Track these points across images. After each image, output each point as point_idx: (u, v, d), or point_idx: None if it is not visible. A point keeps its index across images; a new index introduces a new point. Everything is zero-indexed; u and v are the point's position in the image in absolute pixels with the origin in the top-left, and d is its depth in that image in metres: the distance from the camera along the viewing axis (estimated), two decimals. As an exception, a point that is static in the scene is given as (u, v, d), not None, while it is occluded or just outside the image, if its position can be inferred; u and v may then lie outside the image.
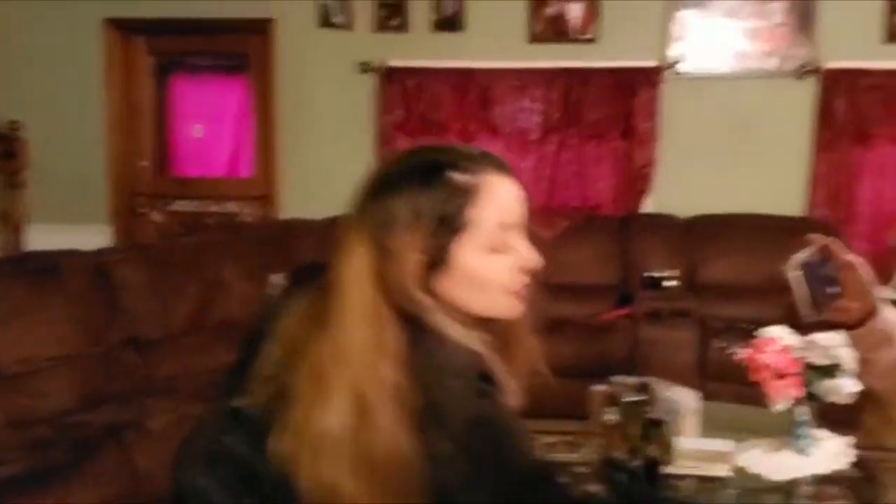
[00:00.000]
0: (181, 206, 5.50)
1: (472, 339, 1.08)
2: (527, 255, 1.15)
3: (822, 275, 1.18)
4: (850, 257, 1.18)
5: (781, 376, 2.53)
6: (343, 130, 5.24)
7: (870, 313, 1.16)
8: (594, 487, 3.56)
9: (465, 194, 1.10)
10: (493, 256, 1.12)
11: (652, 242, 4.90)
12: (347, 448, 1.00)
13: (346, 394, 1.01)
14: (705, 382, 4.05)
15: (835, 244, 1.19)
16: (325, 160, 5.24)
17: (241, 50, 5.42)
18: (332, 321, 1.06)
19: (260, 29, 5.19)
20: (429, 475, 1.00)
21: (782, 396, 2.61)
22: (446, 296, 1.10)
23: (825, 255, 1.18)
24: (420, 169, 1.13)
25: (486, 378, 1.08)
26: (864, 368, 1.23)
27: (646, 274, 4.77)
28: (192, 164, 5.81)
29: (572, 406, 3.13)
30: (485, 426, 1.04)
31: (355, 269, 1.09)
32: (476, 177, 1.12)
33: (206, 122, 5.76)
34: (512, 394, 1.10)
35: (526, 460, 1.08)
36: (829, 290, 1.17)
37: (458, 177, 1.11)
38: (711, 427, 2.75)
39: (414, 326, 1.07)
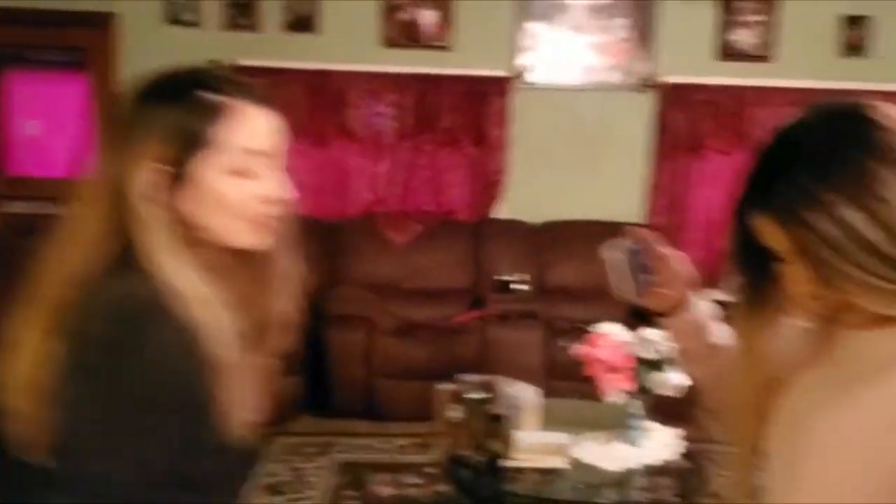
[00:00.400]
0: (17, 207, 5.16)
1: (185, 265, 1.08)
2: (272, 185, 1.16)
3: (637, 263, 1.24)
4: (666, 250, 1.23)
5: (614, 370, 2.66)
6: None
7: (682, 302, 1.21)
8: (443, 487, 3.63)
9: (212, 113, 1.11)
10: (235, 180, 1.13)
11: (503, 247, 5.02)
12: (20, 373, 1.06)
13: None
14: (550, 381, 4.18)
15: (650, 236, 1.25)
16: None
17: (80, 44, 5.16)
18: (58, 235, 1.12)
19: (100, 23, 4.95)
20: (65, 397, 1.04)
21: (615, 389, 2.74)
22: (188, 214, 1.11)
23: (642, 246, 1.24)
24: (171, 85, 1.15)
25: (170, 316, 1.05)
26: (681, 358, 1.30)
27: (496, 278, 4.88)
28: (30, 164, 5.47)
29: (426, 408, 3.17)
30: (124, 336, 1.03)
31: (92, 184, 1.13)
32: (227, 99, 1.13)
33: (45, 119, 5.44)
34: (224, 334, 1.08)
35: (151, 392, 1.04)
36: (644, 276, 1.23)
37: (207, 96, 1.12)
38: (552, 422, 2.85)
39: (127, 251, 1.07)
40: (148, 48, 4.95)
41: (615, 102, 5.19)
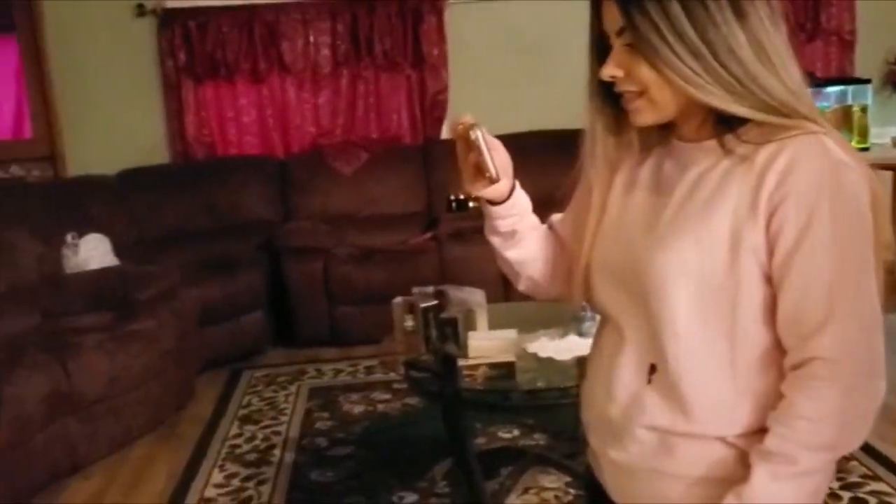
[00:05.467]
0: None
1: None
2: None
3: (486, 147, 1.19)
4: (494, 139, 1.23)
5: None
6: (125, 80, 5.00)
7: (513, 188, 1.26)
8: (412, 400, 3.74)
9: None
10: None
11: (452, 167, 5.03)
12: None
13: None
14: (508, 291, 4.28)
15: (479, 124, 1.22)
16: (110, 113, 5.00)
17: (3, 6, 5.02)
18: None
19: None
20: None
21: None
22: None
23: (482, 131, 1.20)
24: None
25: None
26: (506, 242, 1.31)
27: (451, 197, 4.91)
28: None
29: (389, 330, 3.23)
30: None
31: None
32: None
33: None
34: None
35: None
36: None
37: None
38: (506, 324, 2.93)
39: None
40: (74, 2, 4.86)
41: (552, 10, 5.18)
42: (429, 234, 4.76)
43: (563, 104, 5.22)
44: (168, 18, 4.89)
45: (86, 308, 3.76)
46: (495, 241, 1.31)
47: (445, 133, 5.24)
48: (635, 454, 1.15)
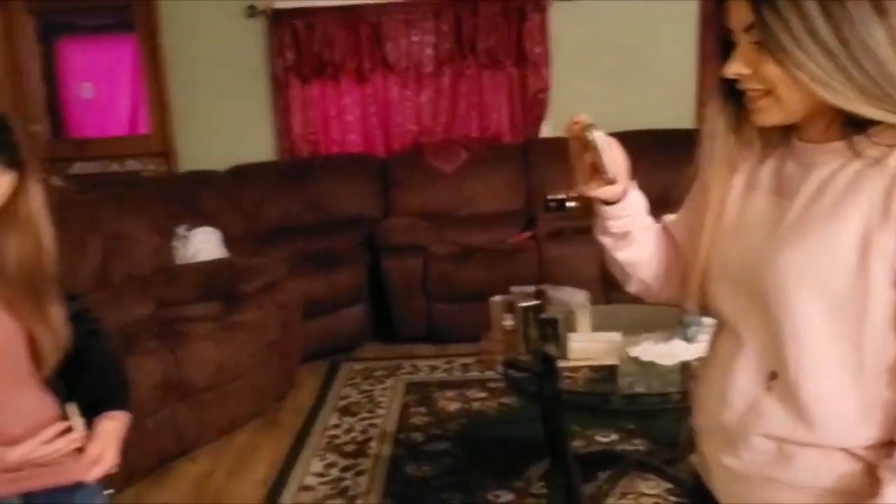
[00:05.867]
0: (81, 168, 5.38)
1: None
2: None
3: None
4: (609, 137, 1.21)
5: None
6: (236, 79, 5.17)
7: (627, 189, 1.24)
8: (508, 399, 3.73)
9: None
10: None
11: (553, 165, 5.00)
12: None
13: None
14: (609, 292, 4.22)
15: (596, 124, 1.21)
16: (220, 111, 5.18)
17: (124, 5, 5.27)
18: None
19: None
20: None
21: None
22: None
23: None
24: None
25: None
26: (617, 243, 1.29)
27: (548, 197, 4.87)
28: (89, 126, 5.67)
29: (486, 329, 3.23)
30: None
31: None
32: None
33: (100, 81, 5.62)
34: None
35: None
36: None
37: None
38: (607, 326, 2.89)
39: None
40: (190, 2, 5.05)
41: (655, 8, 5.08)
42: (528, 234, 4.74)
43: (665, 104, 5.19)
44: (277, 19, 5.03)
45: (196, 298, 3.91)
46: (606, 241, 1.29)
47: (546, 132, 5.21)
48: (750, 462, 1.12)
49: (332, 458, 3.35)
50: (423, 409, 3.74)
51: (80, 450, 1.34)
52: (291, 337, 4.00)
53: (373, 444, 3.44)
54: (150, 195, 4.54)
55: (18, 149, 1.22)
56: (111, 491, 1.52)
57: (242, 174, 5.06)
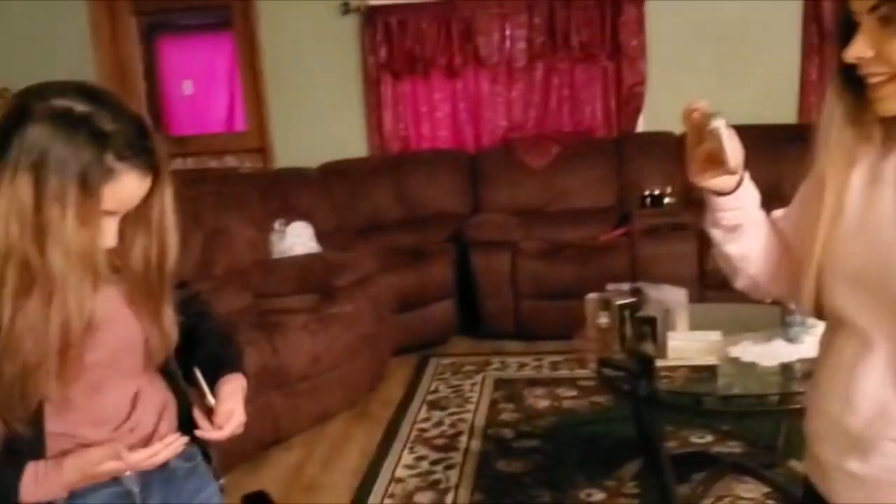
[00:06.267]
0: (180, 164, 5.55)
1: None
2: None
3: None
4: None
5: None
6: (329, 76, 5.25)
7: (741, 180, 1.20)
8: (598, 398, 3.68)
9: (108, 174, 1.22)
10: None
11: (647, 161, 4.92)
12: None
13: None
14: (705, 291, 4.12)
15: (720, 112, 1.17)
16: (315, 108, 5.27)
17: (223, 4, 5.42)
18: None
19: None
20: None
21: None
22: None
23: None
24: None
25: None
26: (731, 235, 1.25)
27: (645, 192, 4.79)
28: (187, 123, 5.86)
29: (577, 327, 3.20)
30: None
31: None
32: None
33: (198, 79, 5.79)
34: None
35: None
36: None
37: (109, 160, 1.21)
38: (706, 325, 2.81)
39: None
40: (286, 2, 5.16)
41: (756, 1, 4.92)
42: (621, 230, 4.66)
43: (766, 98, 5.02)
44: (371, 16, 5.08)
45: (291, 291, 3.99)
46: (716, 234, 1.25)
47: (642, 126, 5.11)
48: (880, 467, 1.07)
49: (422, 451, 3.37)
50: (511, 406, 3.73)
51: (209, 412, 1.38)
52: (383, 330, 4.04)
53: (462, 438, 3.45)
54: (248, 191, 4.66)
55: (156, 153, 1.25)
56: (222, 482, 1.56)
57: (334, 170, 5.14)
